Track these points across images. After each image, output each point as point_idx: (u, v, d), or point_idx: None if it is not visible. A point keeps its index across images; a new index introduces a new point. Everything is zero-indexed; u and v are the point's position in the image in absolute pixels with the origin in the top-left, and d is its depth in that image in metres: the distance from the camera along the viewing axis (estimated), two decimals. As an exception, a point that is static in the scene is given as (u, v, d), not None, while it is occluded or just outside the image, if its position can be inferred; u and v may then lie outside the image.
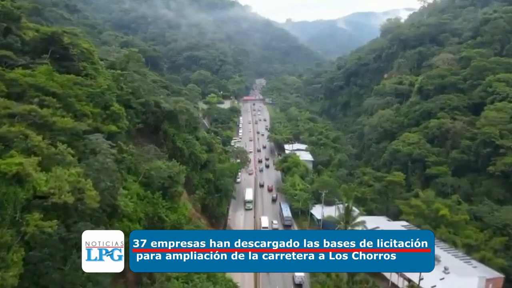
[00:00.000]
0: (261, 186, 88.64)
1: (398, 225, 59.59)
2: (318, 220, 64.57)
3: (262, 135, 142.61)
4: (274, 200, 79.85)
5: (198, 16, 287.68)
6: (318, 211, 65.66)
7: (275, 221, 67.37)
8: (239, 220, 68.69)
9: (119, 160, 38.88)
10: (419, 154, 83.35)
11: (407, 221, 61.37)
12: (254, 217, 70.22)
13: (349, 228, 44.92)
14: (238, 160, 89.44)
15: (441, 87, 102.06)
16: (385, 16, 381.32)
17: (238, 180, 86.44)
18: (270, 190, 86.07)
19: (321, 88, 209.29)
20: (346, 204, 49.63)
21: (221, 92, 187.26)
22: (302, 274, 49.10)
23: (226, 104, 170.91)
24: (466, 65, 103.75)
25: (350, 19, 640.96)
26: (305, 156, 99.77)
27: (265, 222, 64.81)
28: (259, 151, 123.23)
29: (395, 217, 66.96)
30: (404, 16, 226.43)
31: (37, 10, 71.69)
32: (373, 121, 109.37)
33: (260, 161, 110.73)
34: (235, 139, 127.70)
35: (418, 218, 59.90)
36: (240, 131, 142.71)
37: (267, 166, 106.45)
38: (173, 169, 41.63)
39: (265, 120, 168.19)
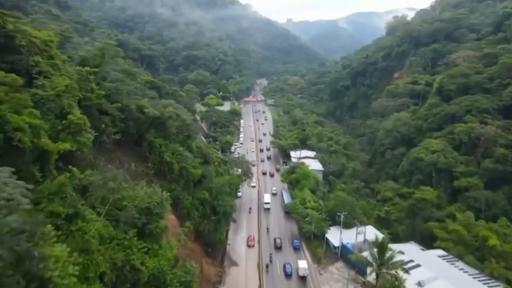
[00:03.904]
0: (264, 173, 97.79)
1: (435, 255, 49.11)
2: (335, 248, 53.33)
3: (262, 124, 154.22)
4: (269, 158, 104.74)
5: (196, 14, 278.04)
6: (335, 236, 54.43)
7: (274, 188, 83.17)
8: (240, 246, 57.16)
9: (80, 189, 28.80)
10: (445, 163, 72.94)
11: (443, 249, 50.86)
12: (258, 241, 59.28)
13: (384, 271, 34.48)
14: (239, 170, 78.84)
15: (464, 87, 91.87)
16: (387, 15, 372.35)
17: (239, 194, 75.87)
18: (272, 176, 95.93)
19: (325, 89, 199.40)
20: (378, 238, 39.01)
21: (221, 93, 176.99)
22: (305, 266, 49.54)
23: (226, 106, 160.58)
24: (491, 63, 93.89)
25: (351, 19, 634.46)
26: (314, 165, 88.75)
27: (267, 198, 75.31)
28: (260, 141, 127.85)
29: (425, 241, 56.23)
30: (409, 14, 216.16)
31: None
32: (387, 125, 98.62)
33: (261, 151, 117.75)
34: (236, 145, 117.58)
35: (458, 246, 49.44)
36: (241, 135, 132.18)
37: (269, 158, 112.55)
38: (154, 198, 31.25)
39: (263, 112, 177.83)
